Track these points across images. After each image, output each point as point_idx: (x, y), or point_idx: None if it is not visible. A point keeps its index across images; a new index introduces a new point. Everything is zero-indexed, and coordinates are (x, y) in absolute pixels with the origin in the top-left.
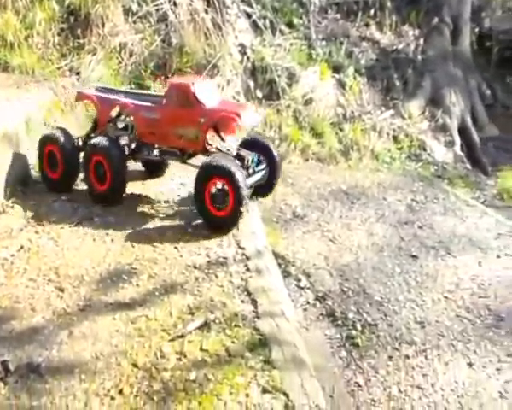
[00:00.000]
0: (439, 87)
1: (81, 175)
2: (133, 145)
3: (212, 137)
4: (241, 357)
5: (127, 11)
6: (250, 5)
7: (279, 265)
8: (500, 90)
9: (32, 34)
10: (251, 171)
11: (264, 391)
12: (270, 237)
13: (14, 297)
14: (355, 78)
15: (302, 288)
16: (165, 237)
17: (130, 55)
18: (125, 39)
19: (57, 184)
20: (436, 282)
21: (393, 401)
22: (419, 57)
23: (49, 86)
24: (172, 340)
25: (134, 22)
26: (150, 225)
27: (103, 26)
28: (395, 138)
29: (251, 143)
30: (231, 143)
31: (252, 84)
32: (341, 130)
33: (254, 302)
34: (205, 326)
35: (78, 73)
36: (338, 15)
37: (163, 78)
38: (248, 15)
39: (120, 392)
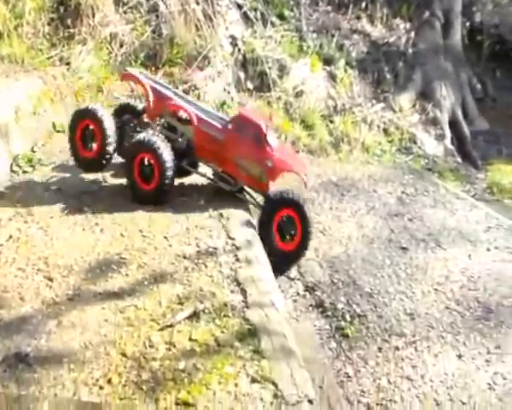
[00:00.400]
0: (430, 80)
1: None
2: (185, 153)
3: None
4: (230, 347)
5: (118, 1)
6: None
7: None
8: (491, 84)
9: (21, 24)
10: None
11: (253, 381)
12: None
13: (3, 287)
14: (346, 70)
15: (292, 279)
16: (155, 227)
17: (121, 46)
18: (115, 29)
19: (93, 163)
20: (426, 274)
21: (383, 392)
22: (410, 50)
23: (38, 76)
24: (161, 330)
25: (124, 12)
26: (140, 215)
27: (93, 16)
28: (386, 131)
29: None
30: None
31: (242, 75)
32: (332, 122)
33: (244, 292)
34: (194, 316)
35: (68, 63)
36: (329, 8)
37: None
38: (239, 7)
39: (109, 381)
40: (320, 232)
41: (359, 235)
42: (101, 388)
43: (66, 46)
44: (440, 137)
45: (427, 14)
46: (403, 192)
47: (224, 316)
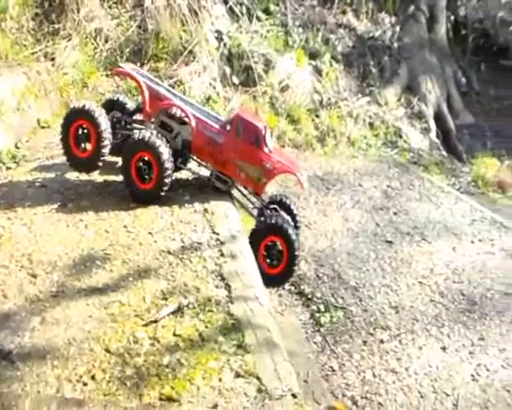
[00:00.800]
0: (415, 74)
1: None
2: (180, 153)
3: None
4: (214, 342)
5: None
6: None
7: None
8: (475, 78)
9: (5, 19)
10: None
11: (237, 375)
12: (245, 223)
13: None
14: (331, 64)
15: None
16: (140, 222)
17: (106, 41)
18: (100, 25)
19: (87, 163)
20: (411, 267)
21: (367, 386)
22: (395, 45)
23: (22, 71)
24: (146, 325)
25: (110, 7)
26: (125, 210)
27: (78, 11)
28: (371, 125)
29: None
30: None
31: (228, 70)
32: (317, 116)
33: (228, 287)
34: (178, 311)
35: (52, 59)
36: (315, 2)
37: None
38: (225, 2)
39: (93, 378)
40: (305, 226)
41: (344, 229)
42: (84, 384)
43: (50, 41)
44: (426, 131)
45: (412, 8)
46: (388, 186)
47: (209, 311)
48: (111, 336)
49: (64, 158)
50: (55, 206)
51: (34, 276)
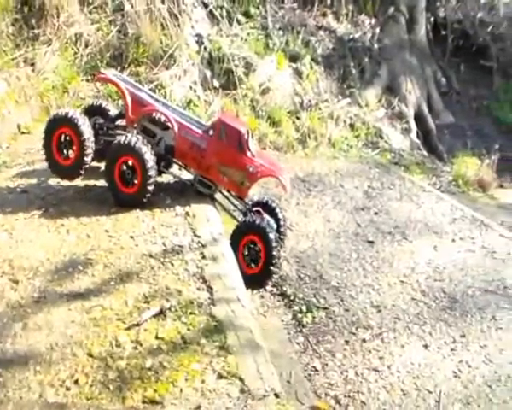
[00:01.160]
0: (396, 75)
1: None
2: (163, 158)
3: None
4: (196, 344)
5: (83, 1)
6: None
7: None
8: (455, 79)
9: None
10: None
11: (220, 377)
12: (227, 225)
13: None
14: (312, 67)
15: None
16: (121, 226)
17: (86, 46)
18: (80, 30)
19: (69, 171)
20: (392, 266)
21: (350, 385)
22: (375, 46)
23: (2, 77)
24: (128, 329)
25: (90, 12)
26: (106, 215)
27: (58, 16)
28: (352, 126)
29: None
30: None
31: (209, 73)
32: (298, 118)
33: (210, 289)
34: (160, 314)
35: (32, 64)
36: (295, 5)
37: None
38: (205, 5)
39: (76, 382)
40: (287, 228)
41: (326, 230)
42: (67, 389)
43: (30, 47)
44: (406, 131)
45: (391, 9)
46: (369, 186)
47: (191, 313)
48: (93, 340)
49: (45, 164)
50: (37, 211)
51: (16, 282)
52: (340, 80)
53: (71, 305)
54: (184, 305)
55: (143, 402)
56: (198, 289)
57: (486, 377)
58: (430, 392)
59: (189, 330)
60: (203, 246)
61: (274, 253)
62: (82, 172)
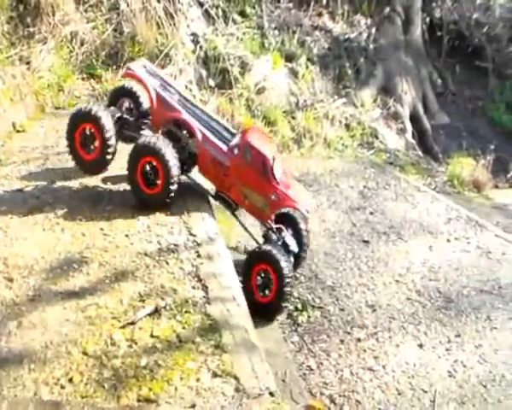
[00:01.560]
0: (391, 76)
1: None
2: (186, 163)
3: None
4: (191, 342)
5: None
6: None
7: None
8: (451, 79)
9: None
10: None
11: (215, 375)
12: (222, 225)
13: None
14: (307, 66)
15: None
16: (116, 225)
17: (82, 44)
18: (76, 28)
19: (93, 166)
20: (387, 266)
21: (345, 384)
22: (371, 46)
23: None
24: (123, 327)
25: (85, 11)
26: (101, 213)
27: (54, 14)
28: (347, 126)
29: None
30: None
31: (204, 73)
32: (294, 118)
33: (205, 288)
34: (155, 313)
35: (28, 63)
36: (290, 5)
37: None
38: (201, 4)
39: (70, 380)
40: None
41: (321, 229)
42: (62, 387)
43: (25, 45)
44: (402, 132)
45: (387, 10)
46: (364, 186)
47: (186, 312)
48: (88, 338)
49: (40, 162)
50: (32, 210)
51: (10, 280)
52: (335, 80)
53: (66, 303)
54: (179, 304)
55: (138, 401)
56: (193, 287)
57: (481, 377)
58: (425, 391)
59: (184, 328)
60: (198, 245)
61: (287, 284)
62: (106, 167)
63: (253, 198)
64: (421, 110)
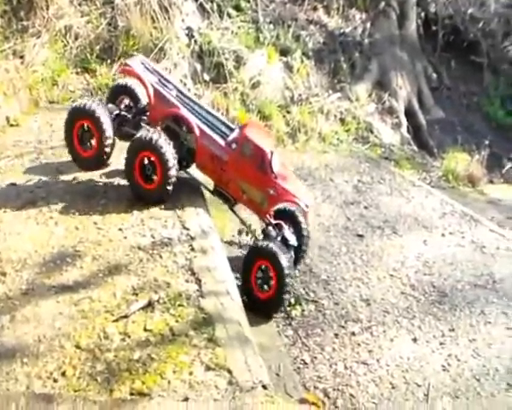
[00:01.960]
0: (386, 70)
1: None
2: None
3: None
4: (184, 336)
5: None
6: None
7: (227, 245)
8: (446, 74)
9: None
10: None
11: (208, 369)
12: (217, 220)
13: None
14: (302, 61)
15: None
16: (110, 219)
17: (76, 39)
18: (70, 22)
19: (91, 162)
20: (382, 260)
21: (339, 378)
22: (366, 41)
23: None
24: (116, 321)
25: (79, 5)
26: (95, 207)
27: (48, 8)
28: (342, 121)
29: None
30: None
31: (199, 67)
32: (289, 112)
33: (199, 282)
34: (149, 306)
35: (21, 57)
36: None
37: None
38: None
39: (63, 374)
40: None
41: (316, 223)
42: (55, 381)
43: (19, 39)
44: (397, 126)
45: (382, 4)
46: (359, 181)
47: (179, 305)
48: (81, 332)
49: (33, 156)
50: (25, 204)
51: (3, 274)
52: (330, 75)
53: (59, 297)
54: (173, 297)
55: (131, 394)
56: (187, 281)
57: (475, 371)
58: (419, 385)
59: (177, 322)
60: (192, 239)
61: (287, 280)
62: (104, 163)
63: (252, 193)
64: (416, 105)
